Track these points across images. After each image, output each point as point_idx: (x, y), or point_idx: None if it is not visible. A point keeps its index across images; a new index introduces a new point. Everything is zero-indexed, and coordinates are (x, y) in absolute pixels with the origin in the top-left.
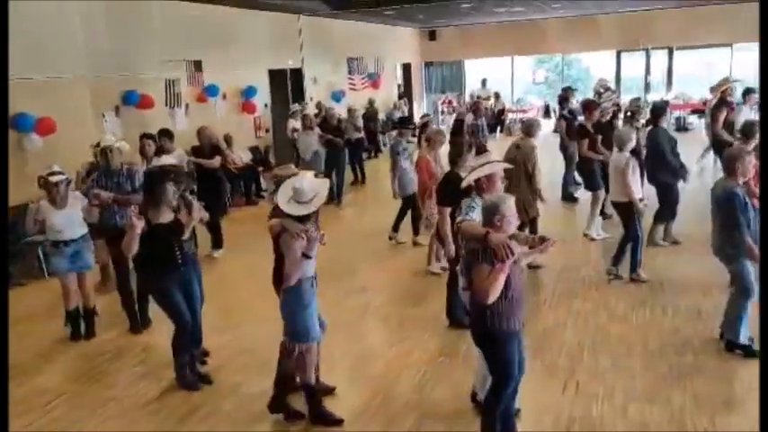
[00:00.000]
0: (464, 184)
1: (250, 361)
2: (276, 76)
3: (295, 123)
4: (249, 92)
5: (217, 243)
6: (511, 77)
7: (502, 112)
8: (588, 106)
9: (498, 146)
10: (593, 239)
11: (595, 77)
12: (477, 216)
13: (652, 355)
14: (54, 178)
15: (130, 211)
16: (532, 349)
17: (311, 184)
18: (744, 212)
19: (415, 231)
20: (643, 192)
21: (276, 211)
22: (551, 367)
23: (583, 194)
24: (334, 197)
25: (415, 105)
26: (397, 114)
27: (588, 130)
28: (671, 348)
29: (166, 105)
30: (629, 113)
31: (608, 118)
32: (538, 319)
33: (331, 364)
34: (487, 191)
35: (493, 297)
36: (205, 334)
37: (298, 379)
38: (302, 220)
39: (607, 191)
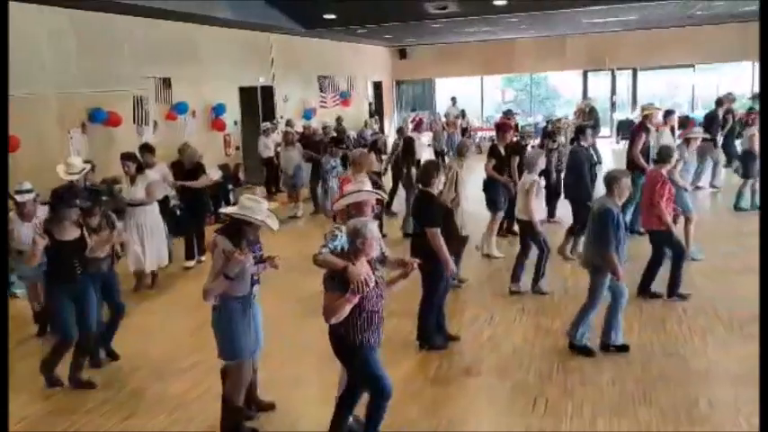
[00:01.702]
0: (335, 207)
1: (210, 387)
2: (247, 94)
3: (266, 141)
4: (219, 109)
5: (200, 251)
6: (480, 96)
7: (466, 130)
8: (501, 128)
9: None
10: (495, 258)
11: (563, 96)
12: (339, 243)
13: (619, 369)
14: (21, 198)
15: (35, 228)
16: (502, 367)
17: (253, 202)
18: (615, 230)
19: None
20: (556, 212)
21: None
22: (521, 384)
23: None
24: (320, 209)
25: (386, 123)
26: (368, 132)
27: (498, 151)
28: (638, 362)
29: (134, 123)
30: (549, 132)
31: (527, 142)
32: (507, 337)
33: (299, 386)
34: (356, 216)
35: (335, 320)
36: (170, 356)
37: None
38: (235, 242)
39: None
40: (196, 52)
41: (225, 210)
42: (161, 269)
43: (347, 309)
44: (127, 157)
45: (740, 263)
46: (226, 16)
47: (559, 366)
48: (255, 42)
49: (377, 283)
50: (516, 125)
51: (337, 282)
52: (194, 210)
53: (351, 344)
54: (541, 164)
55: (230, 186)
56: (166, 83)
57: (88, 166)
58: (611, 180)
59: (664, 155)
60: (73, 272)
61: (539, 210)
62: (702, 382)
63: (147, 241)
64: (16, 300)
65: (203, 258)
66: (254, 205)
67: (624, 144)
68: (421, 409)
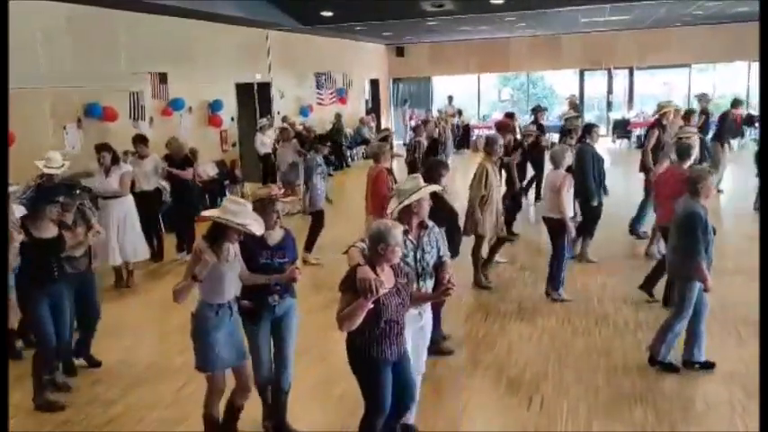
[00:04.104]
0: (398, 208)
1: (200, 388)
2: (243, 90)
3: (263, 137)
4: (215, 105)
5: (188, 248)
6: (477, 94)
7: (467, 128)
8: (502, 128)
9: (463, 161)
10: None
11: (559, 95)
12: None
13: (615, 369)
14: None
15: (11, 224)
16: (498, 365)
17: (237, 205)
18: (703, 233)
19: (308, 248)
20: (575, 209)
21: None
22: (517, 383)
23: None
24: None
25: (383, 120)
26: (365, 130)
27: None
28: (633, 363)
29: (130, 118)
30: (564, 131)
31: (529, 141)
32: (503, 336)
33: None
34: (416, 214)
35: (347, 328)
36: (158, 355)
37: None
38: (215, 246)
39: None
40: (193, 48)
41: (206, 212)
42: (144, 266)
43: (360, 315)
44: (102, 147)
45: (734, 264)
46: (223, 12)
47: (555, 365)
48: (252, 39)
49: (398, 290)
50: (514, 126)
51: (351, 282)
52: (184, 204)
53: (368, 357)
54: (568, 159)
55: (226, 182)
56: (163, 78)
57: (68, 163)
58: (696, 179)
59: (683, 152)
60: (51, 273)
61: (569, 207)
62: (698, 382)
63: (122, 234)
64: None
65: (188, 258)
66: (237, 208)
67: (620, 143)
68: (416, 407)
